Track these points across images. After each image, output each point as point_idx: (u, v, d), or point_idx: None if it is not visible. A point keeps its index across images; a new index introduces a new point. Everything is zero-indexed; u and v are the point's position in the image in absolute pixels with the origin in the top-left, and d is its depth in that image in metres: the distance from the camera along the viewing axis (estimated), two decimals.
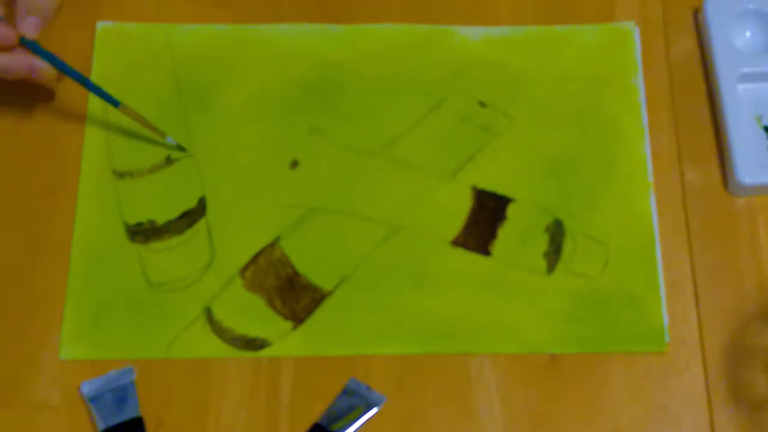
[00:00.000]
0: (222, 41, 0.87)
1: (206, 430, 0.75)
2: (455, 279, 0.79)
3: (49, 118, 0.84)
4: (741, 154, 0.81)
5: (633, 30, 0.88)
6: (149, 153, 0.83)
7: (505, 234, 0.81)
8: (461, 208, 0.82)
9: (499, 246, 0.80)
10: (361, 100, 0.85)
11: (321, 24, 0.88)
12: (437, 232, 0.81)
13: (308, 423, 0.75)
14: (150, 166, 0.83)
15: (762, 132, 0.84)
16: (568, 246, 0.80)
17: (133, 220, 0.81)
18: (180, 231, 0.81)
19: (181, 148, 0.82)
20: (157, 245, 0.80)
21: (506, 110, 0.85)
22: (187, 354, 0.77)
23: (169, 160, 0.83)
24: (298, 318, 0.78)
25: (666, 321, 0.78)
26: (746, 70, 0.85)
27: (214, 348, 0.77)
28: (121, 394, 0.75)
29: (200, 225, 0.81)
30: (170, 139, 0.82)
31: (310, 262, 0.80)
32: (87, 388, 0.75)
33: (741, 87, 0.84)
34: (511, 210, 0.82)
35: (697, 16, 0.88)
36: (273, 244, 0.80)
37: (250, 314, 0.78)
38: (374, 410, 0.75)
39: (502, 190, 0.82)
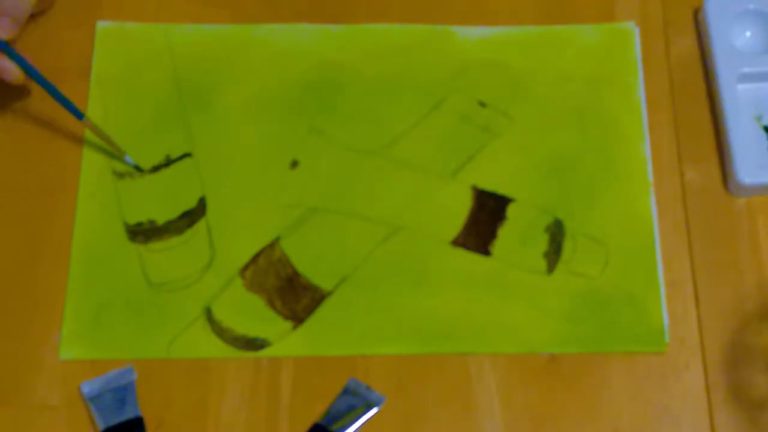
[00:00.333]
0: (222, 41, 0.87)
1: (206, 430, 0.75)
2: (455, 279, 0.79)
3: (49, 118, 0.84)
4: (741, 154, 0.81)
5: (633, 30, 0.88)
6: (149, 153, 0.83)
7: (505, 234, 0.81)
8: (461, 208, 0.82)
9: (499, 246, 0.80)
10: (361, 100, 0.85)
11: (321, 24, 0.88)
12: (437, 232, 0.81)
13: (308, 423, 0.75)
14: (150, 166, 0.83)
15: (762, 132, 0.84)
16: (568, 246, 0.80)
17: (133, 220, 0.81)
18: (180, 231, 0.81)
19: (138, 169, 0.82)
20: (157, 245, 0.80)
21: (506, 110, 0.85)
22: (187, 354, 0.77)
23: (169, 160, 0.83)
24: (298, 318, 0.78)
25: (666, 321, 0.78)
26: (746, 70, 0.85)
27: (214, 348, 0.77)
28: (121, 394, 0.75)
29: (200, 225, 0.81)
30: (128, 159, 0.82)
31: (310, 262, 0.80)
32: (87, 388, 0.75)
33: (741, 87, 0.84)
34: (511, 210, 0.82)
35: (697, 16, 0.88)
36: (273, 244, 0.80)
37: (250, 314, 0.78)
38: (374, 410, 0.75)
39: (502, 190, 0.82)
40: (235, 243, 0.80)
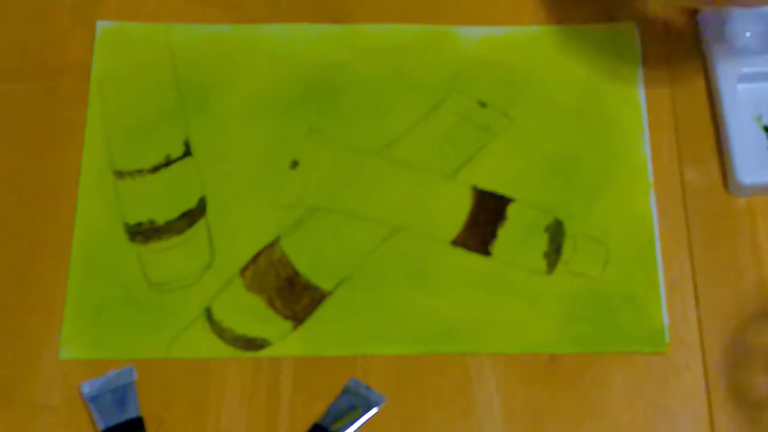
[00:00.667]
0: (222, 41, 0.87)
1: (206, 430, 0.75)
2: (455, 279, 0.79)
3: (49, 118, 0.84)
4: (741, 154, 0.81)
5: (633, 30, 0.88)
6: (149, 153, 0.83)
7: (505, 234, 0.81)
8: (461, 208, 0.82)
9: (499, 246, 0.80)
10: (361, 100, 0.85)
11: (321, 24, 0.88)
12: (437, 232, 0.81)
13: (308, 423, 0.75)
14: (150, 166, 0.83)
15: (762, 132, 0.84)
16: (568, 246, 0.80)
17: (133, 220, 0.81)
18: (180, 231, 0.81)
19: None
20: (157, 245, 0.80)
21: (506, 110, 0.85)
22: (187, 354, 0.77)
23: (169, 160, 0.83)
24: (298, 318, 0.78)
25: (666, 321, 0.78)
26: (746, 70, 0.85)
27: (214, 348, 0.77)
28: (121, 394, 0.75)
29: (200, 225, 0.81)
30: None
31: (310, 262, 0.80)
32: (87, 388, 0.75)
33: (741, 87, 0.84)
34: (511, 210, 0.82)
35: (697, 17, 0.88)
36: (273, 244, 0.80)
37: (250, 314, 0.78)
38: (374, 410, 0.75)
39: (502, 190, 0.82)
40: (235, 243, 0.80)
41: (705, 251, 0.80)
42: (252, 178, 0.83)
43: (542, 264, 0.80)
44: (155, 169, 0.83)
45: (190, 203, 0.82)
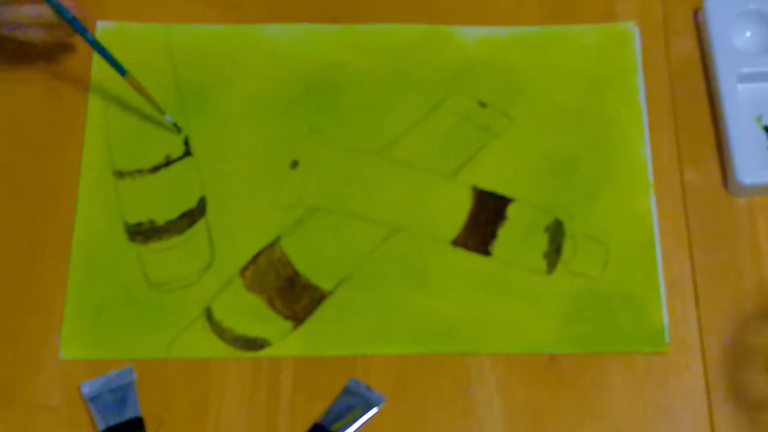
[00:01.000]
0: (222, 41, 0.87)
1: (206, 430, 0.75)
2: (455, 279, 0.79)
3: (49, 118, 0.84)
4: (741, 154, 0.81)
5: (633, 30, 0.88)
6: (149, 153, 0.83)
7: (505, 234, 0.81)
8: (461, 208, 0.82)
9: (499, 246, 0.80)
10: (361, 100, 0.85)
11: (321, 24, 0.88)
12: (437, 232, 0.81)
13: (308, 423, 0.75)
14: (150, 166, 0.83)
15: (762, 132, 0.84)
16: (568, 246, 0.80)
17: (133, 220, 0.81)
18: (180, 231, 0.81)
19: (177, 128, 0.82)
20: (157, 245, 0.80)
21: (506, 110, 0.85)
22: (187, 354, 0.77)
23: (169, 160, 0.83)
24: (298, 318, 0.78)
25: (666, 321, 0.78)
26: (746, 70, 0.85)
27: (214, 348, 0.77)
28: (121, 394, 0.75)
29: (200, 225, 0.81)
30: (169, 117, 0.82)
31: (310, 262, 0.80)
32: (87, 388, 0.75)
33: (741, 87, 0.84)
34: (511, 210, 0.82)
35: (697, 16, 0.88)
36: (273, 244, 0.80)
37: (250, 314, 0.78)
38: (374, 410, 0.75)
39: (502, 190, 0.82)
40: (235, 243, 0.80)
41: (705, 251, 0.80)
42: (252, 178, 0.83)
43: (542, 264, 0.80)
44: (155, 169, 0.83)
45: (190, 203, 0.82)
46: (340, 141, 0.84)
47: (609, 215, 0.82)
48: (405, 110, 0.85)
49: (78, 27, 0.80)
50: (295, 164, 0.83)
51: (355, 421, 0.75)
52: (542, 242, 0.81)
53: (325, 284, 0.79)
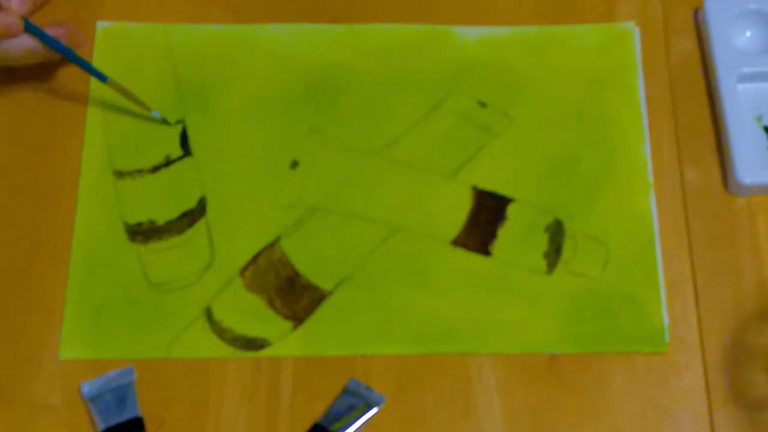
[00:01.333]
0: (222, 41, 0.87)
1: (206, 430, 0.75)
2: (455, 279, 0.79)
3: (49, 118, 0.84)
4: (741, 154, 0.81)
5: (633, 30, 0.88)
6: (149, 153, 0.83)
7: (505, 234, 0.81)
8: (461, 208, 0.82)
9: (499, 246, 0.80)
10: (361, 100, 0.85)
11: (321, 24, 0.88)
12: (437, 232, 0.81)
13: (308, 423, 0.75)
14: (150, 166, 0.83)
15: (762, 132, 0.84)
16: (568, 246, 0.80)
17: (133, 220, 0.81)
18: (180, 231, 0.81)
19: (165, 122, 0.82)
20: (157, 245, 0.80)
21: (506, 110, 0.85)
22: (187, 354, 0.77)
23: (169, 160, 0.83)
24: (298, 318, 0.78)
25: (666, 321, 0.78)
26: (746, 70, 0.85)
27: (214, 348, 0.77)
28: (121, 394, 0.75)
29: (200, 225, 0.81)
30: (155, 113, 0.82)
31: (310, 262, 0.80)
32: (87, 388, 0.75)
33: (741, 87, 0.84)
34: (511, 210, 0.82)
35: (697, 16, 0.88)
36: (273, 244, 0.80)
37: (250, 314, 0.78)
38: (374, 410, 0.75)
39: (502, 190, 0.82)
40: (235, 243, 0.80)
41: (705, 251, 0.80)
42: (252, 178, 0.83)
43: (542, 264, 0.80)
44: (155, 169, 0.83)
45: (190, 203, 0.82)
46: (340, 141, 0.84)
47: (609, 215, 0.82)
48: (405, 110, 0.85)
49: (49, 41, 0.81)
50: (295, 164, 0.83)
51: (355, 421, 0.75)
52: (542, 242, 0.81)
53: (325, 284, 0.79)
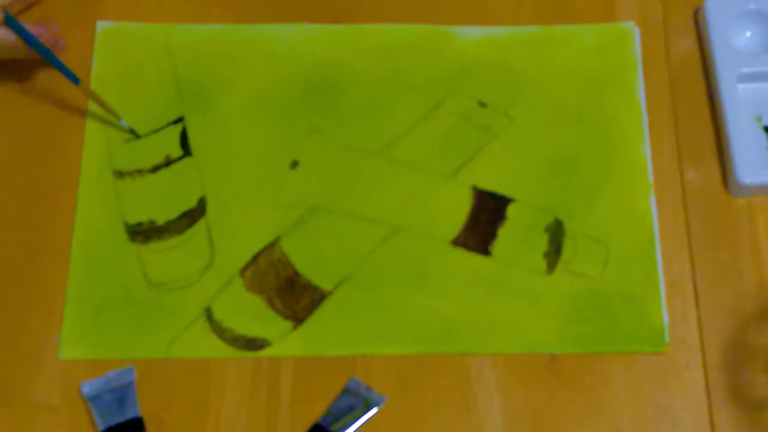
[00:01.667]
0: (222, 41, 0.87)
1: (206, 430, 0.75)
2: (455, 279, 0.79)
3: (49, 118, 0.84)
4: (741, 154, 0.81)
5: (633, 30, 0.88)
6: (149, 153, 0.83)
7: (505, 234, 0.81)
8: (461, 208, 0.82)
9: (499, 246, 0.80)
10: (361, 100, 0.85)
11: (321, 24, 0.88)
12: (437, 232, 0.81)
13: (308, 423, 0.75)
14: (150, 166, 0.83)
15: (762, 132, 0.84)
16: (568, 246, 0.80)
17: (133, 220, 0.81)
18: (180, 231, 0.81)
19: (134, 133, 0.82)
20: (157, 245, 0.80)
21: (506, 110, 0.85)
22: (187, 354, 0.77)
23: (169, 160, 0.83)
24: (298, 318, 0.78)
25: (666, 321, 0.78)
26: (746, 70, 0.85)
27: (214, 348, 0.77)
28: (121, 394, 0.75)
29: (200, 225, 0.81)
30: (124, 123, 0.82)
31: (310, 262, 0.80)
32: (87, 388, 0.75)
33: (741, 87, 0.84)
34: (511, 210, 0.82)
35: (697, 16, 0.88)
36: (273, 244, 0.80)
37: (250, 314, 0.78)
38: (374, 410, 0.75)
39: (502, 190, 0.82)
40: (235, 243, 0.80)
41: (705, 251, 0.80)
42: (252, 178, 0.83)
43: (542, 264, 0.80)
44: (155, 169, 0.83)
45: (190, 203, 0.82)
46: (340, 141, 0.84)
47: (609, 215, 0.82)
48: (405, 110, 0.85)
49: (26, 37, 0.80)
50: (295, 164, 0.83)
51: (355, 421, 0.75)
52: (542, 242, 0.81)
53: (325, 284, 0.79)
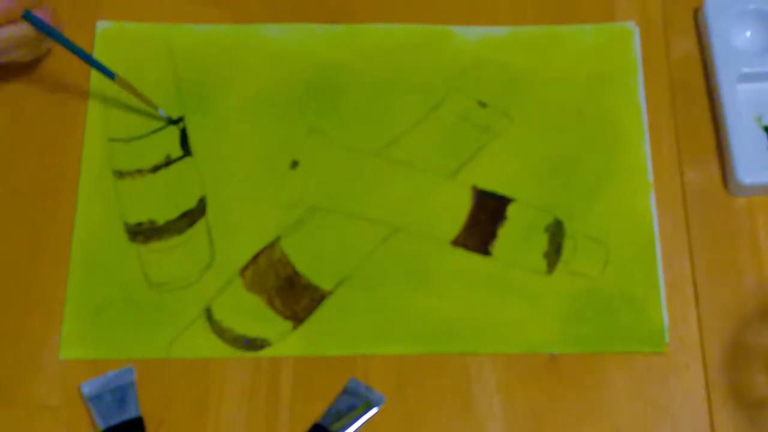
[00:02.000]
0: (222, 41, 0.87)
1: (206, 430, 0.75)
2: (455, 279, 0.79)
3: (49, 118, 0.84)
4: (741, 154, 0.81)
5: (633, 30, 0.88)
6: (149, 153, 0.83)
7: (505, 234, 0.81)
8: (461, 208, 0.82)
9: (499, 246, 0.80)
10: (361, 100, 0.85)
11: (321, 24, 0.88)
12: (437, 232, 0.81)
13: (308, 423, 0.75)
14: (150, 166, 0.83)
15: (762, 132, 0.84)
16: (568, 246, 0.80)
17: (133, 220, 0.81)
18: (180, 231, 0.81)
19: (173, 122, 0.82)
20: (157, 245, 0.80)
21: (506, 110, 0.85)
22: (187, 354, 0.77)
23: (169, 160, 0.83)
24: (298, 318, 0.78)
25: (666, 321, 0.78)
26: (746, 70, 0.85)
27: (214, 348, 0.77)
28: (121, 394, 0.75)
29: (200, 225, 0.81)
30: (162, 112, 0.82)
31: (310, 262, 0.80)
32: (87, 388, 0.75)
33: (741, 87, 0.84)
34: (511, 210, 0.82)
35: (697, 16, 0.88)
36: (273, 244, 0.80)
37: (250, 314, 0.78)
38: (374, 410, 0.75)
39: (502, 190, 0.82)
40: (235, 243, 0.80)
41: (705, 251, 0.80)
42: (252, 178, 0.83)
43: (542, 264, 0.80)
44: (155, 169, 0.83)
45: (190, 203, 0.82)
46: (340, 141, 0.84)
47: (609, 215, 0.82)
48: (405, 110, 0.85)
49: (62, 39, 0.80)
50: (295, 164, 0.83)
51: (355, 421, 0.75)
52: (542, 242, 0.81)
53: (325, 284, 0.79)
